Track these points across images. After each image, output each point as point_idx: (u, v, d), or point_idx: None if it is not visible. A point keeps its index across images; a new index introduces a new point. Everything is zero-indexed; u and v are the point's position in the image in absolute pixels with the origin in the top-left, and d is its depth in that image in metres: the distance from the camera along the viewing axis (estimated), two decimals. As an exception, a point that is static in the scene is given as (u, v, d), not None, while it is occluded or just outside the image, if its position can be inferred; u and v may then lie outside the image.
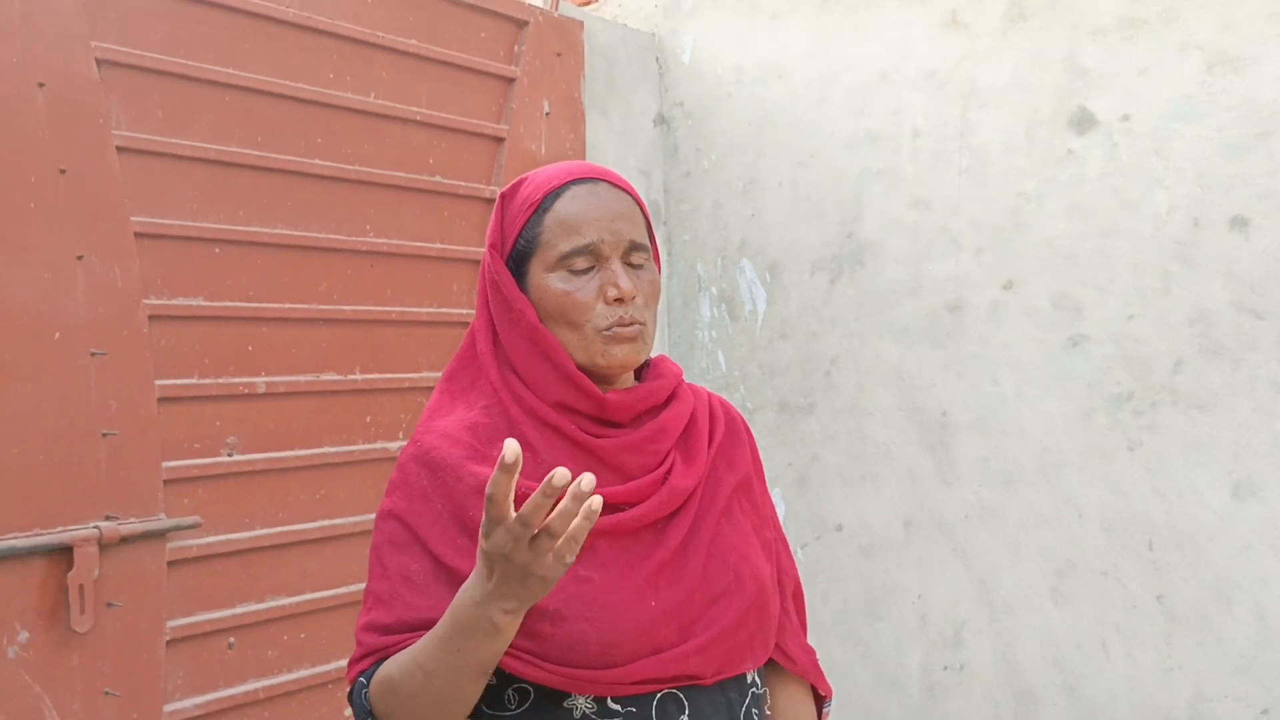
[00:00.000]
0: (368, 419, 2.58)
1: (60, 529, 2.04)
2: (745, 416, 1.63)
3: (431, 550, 1.19)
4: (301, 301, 2.46)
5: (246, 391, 2.35)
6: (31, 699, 2.00)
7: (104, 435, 2.10)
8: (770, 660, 1.33)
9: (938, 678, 2.98)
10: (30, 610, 2.01)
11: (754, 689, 1.28)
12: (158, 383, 2.20)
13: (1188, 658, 2.62)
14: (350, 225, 2.56)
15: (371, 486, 2.55)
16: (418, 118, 2.69)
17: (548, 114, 3.02)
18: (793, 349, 3.24)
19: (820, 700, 1.39)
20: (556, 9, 3.14)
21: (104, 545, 2.08)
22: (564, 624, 1.15)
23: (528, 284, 1.25)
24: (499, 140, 2.89)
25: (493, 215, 1.30)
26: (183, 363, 2.26)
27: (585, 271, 1.23)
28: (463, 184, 2.80)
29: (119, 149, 2.14)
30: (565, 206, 1.24)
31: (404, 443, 2.26)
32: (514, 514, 0.99)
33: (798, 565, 1.48)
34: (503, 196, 1.30)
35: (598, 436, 1.24)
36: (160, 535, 2.18)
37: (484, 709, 1.20)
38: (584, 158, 3.12)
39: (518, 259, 1.26)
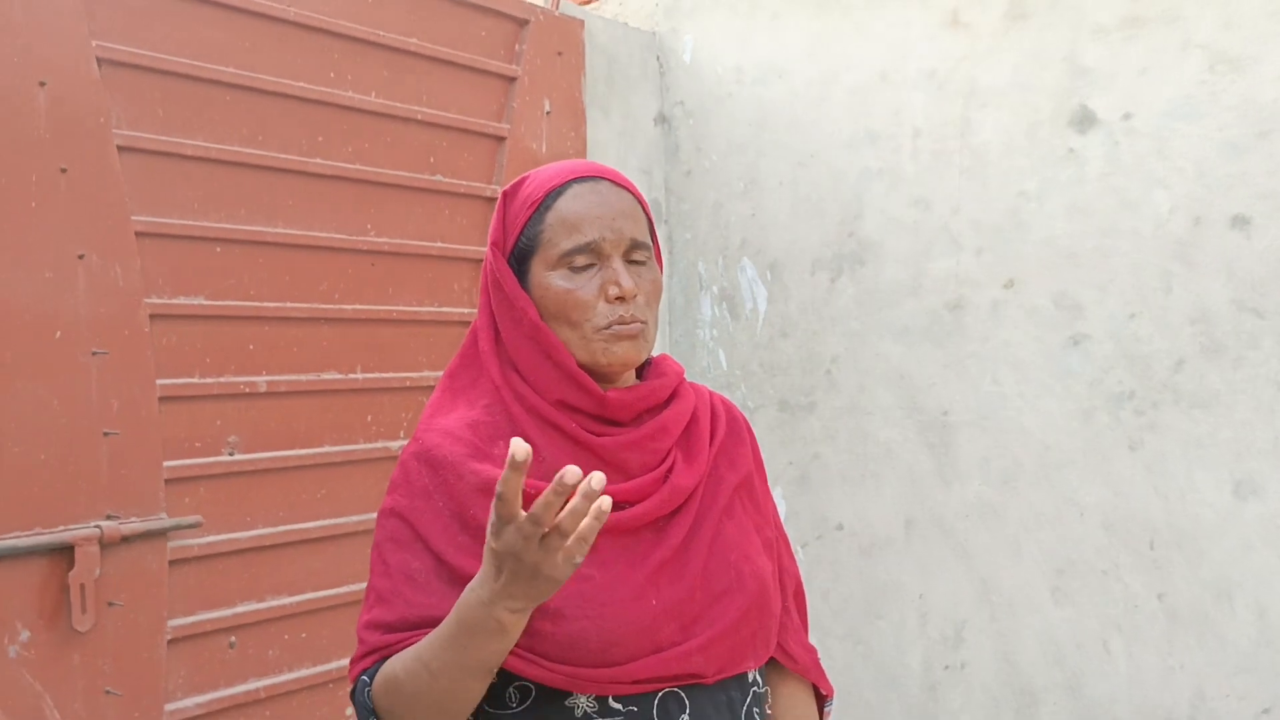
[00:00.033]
0: (369, 418, 2.59)
1: (61, 528, 2.04)
2: (746, 415, 1.63)
3: (433, 548, 1.19)
4: (302, 301, 2.46)
5: (248, 391, 2.35)
6: (33, 698, 2.00)
7: (105, 434, 2.10)
8: (772, 659, 1.33)
9: (938, 676, 2.98)
10: (31, 609, 2.01)
11: (755, 688, 1.28)
12: (159, 382, 2.20)
13: (1188, 657, 2.62)
14: (351, 224, 2.56)
15: (373, 486, 2.55)
16: (419, 117, 2.69)
17: (548, 113, 3.02)
18: (793, 348, 3.24)
19: (822, 699, 1.39)
20: (557, 8, 3.14)
21: (105, 544, 2.08)
22: (564, 622, 1.15)
23: (529, 282, 1.25)
24: (500, 139, 2.89)
25: (495, 213, 1.30)
26: (184, 362, 2.26)
27: (587, 270, 1.23)
28: (464, 183, 2.80)
29: (120, 148, 2.14)
30: (567, 205, 1.24)
31: (405, 442, 2.26)
32: (523, 513, 0.99)
33: (799, 564, 1.48)
34: (505, 195, 1.30)
35: (599, 435, 1.24)
36: (161, 534, 2.18)
37: (485, 707, 1.20)
38: (585, 157, 3.12)
39: (519, 257, 1.26)
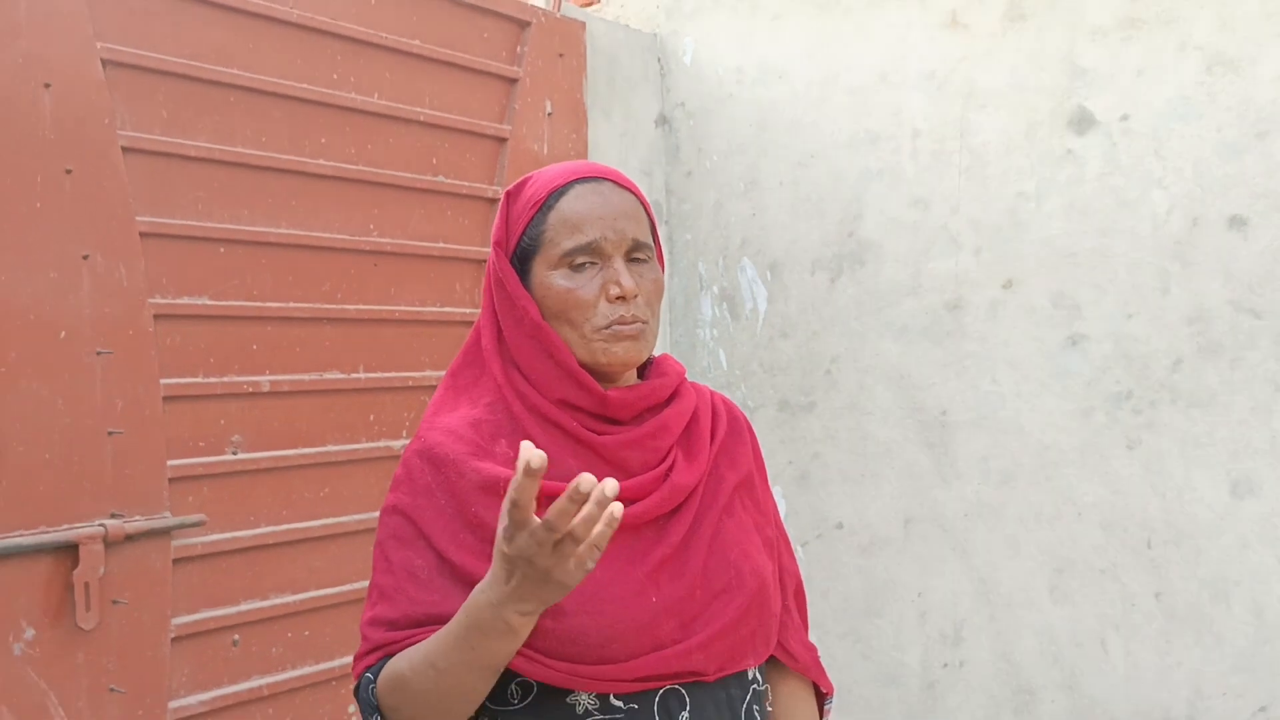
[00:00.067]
0: (371, 417, 2.60)
1: (66, 527, 2.05)
2: (746, 415, 1.64)
3: (435, 545, 1.20)
4: (305, 301, 2.47)
5: (251, 390, 2.36)
6: (37, 696, 2.01)
7: (109, 434, 2.11)
8: (772, 657, 1.33)
9: (937, 675, 2.99)
10: (36, 607, 2.02)
11: (755, 685, 1.29)
12: (163, 381, 2.21)
13: (1186, 655, 2.63)
14: (354, 225, 2.57)
15: (375, 485, 2.56)
16: (421, 118, 2.70)
17: (550, 114, 3.03)
18: (793, 348, 3.25)
19: (822, 697, 1.39)
20: (559, 10, 3.15)
21: (109, 543, 2.09)
22: (564, 618, 1.16)
23: (531, 281, 1.26)
24: (502, 140, 2.90)
25: (498, 213, 1.31)
26: (188, 361, 2.27)
27: (588, 269, 1.23)
28: (465, 184, 2.81)
29: (124, 149, 2.15)
30: (569, 205, 1.24)
31: (407, 441, 2.27)
32: (537, 519, 0.99)
33: (799, 563, 1.49)
34: (508, 195, 1.31)
35: (600, 433, 1.25)
36: (165, 533, 2.19)
37: (487, 703, 1.21)
38: (586, 158, 3.13)
39: (522, 257, 1.27)
